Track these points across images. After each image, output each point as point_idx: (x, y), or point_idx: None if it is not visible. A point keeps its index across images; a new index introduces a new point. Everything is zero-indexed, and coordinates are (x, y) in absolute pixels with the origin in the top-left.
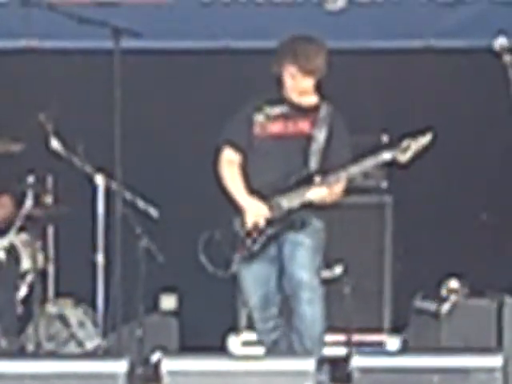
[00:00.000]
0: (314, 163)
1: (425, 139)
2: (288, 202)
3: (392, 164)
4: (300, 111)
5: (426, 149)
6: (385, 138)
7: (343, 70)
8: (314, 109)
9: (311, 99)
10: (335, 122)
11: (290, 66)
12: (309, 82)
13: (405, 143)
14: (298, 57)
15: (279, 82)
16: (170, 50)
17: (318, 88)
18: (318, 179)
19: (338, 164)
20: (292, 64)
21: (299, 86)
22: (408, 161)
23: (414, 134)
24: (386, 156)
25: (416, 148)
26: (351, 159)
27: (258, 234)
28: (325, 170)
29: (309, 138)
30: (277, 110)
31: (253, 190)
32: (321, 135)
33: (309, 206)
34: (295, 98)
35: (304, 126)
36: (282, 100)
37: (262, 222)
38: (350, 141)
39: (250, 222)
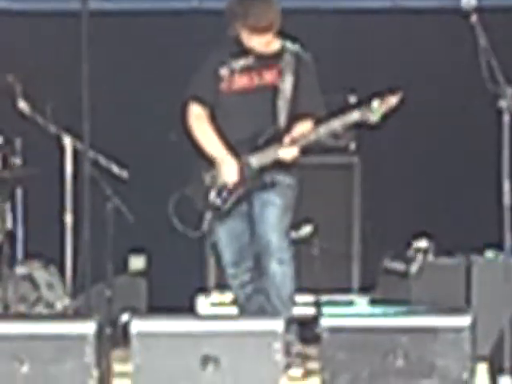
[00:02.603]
0: (282, 118)
1: (393, 99)
2: (258, 160)
3: (360, 125)
4: (265, 60)
5: (394, 109)
6: (352, 99)
7: (311, 29)
8: (278, 55)
9: (274, 46)
10: (301, 65)
11: (243, 28)
12: (267, 38)
13: (374, 103)
14: (248, 18)
15: (238, 41)
16: (139, 12)
17: (280, 32)
18: (287, 140)
19: (309, 111)
20: (244, 26)
21: (259, 43)
22: (377, 121)
23: (383, 94)
24: (355, 116)
25: (385, 108)
26: (322, 102)
27: (229, 193)
28: (293, 127)
29: (275, 90)
30: (241, 62)
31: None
32: (287, 85)
33: (278, 164)
34: (260, 47)
35: (269, 76)
36: (245, 51)
37: (234, 179)
38: (317, 81)
39: (225, 174)
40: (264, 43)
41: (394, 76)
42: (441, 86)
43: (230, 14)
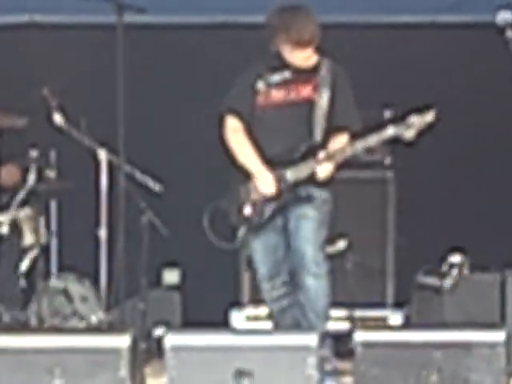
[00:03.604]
0: (318, 133)
1: (429, 116)
2: (293, 174)
3: (396, 141)
4: (302, 74)
5: (430, 126)
6: (387, 114)
7: (347, 44)
8: (315, 69)
9: (312, 60)
10: (337, 80)
11: (286, 44)
12: (308, 52)
13: (410, 120)
14: (291, 31)
15: (279, 56)
16: (173, 25)
17: (317, 48)
18: (322, 155)
19: (345, 125)
20: (286, 41)
21: (301, 57)
22: (412, 138)
23: (419, 111)
24: (391, 132)
25: (421, 125)
26: (357, 116)
27: (264, 207)
28: (329, 142)
29: (312, 104)
30: (278, 76)
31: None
32: (323, 99)
33: (314, 179)
34: (299, 62)
35: (306, 91)
36: (284, 65)
37: (270, 192)
38: (352, 95)
39: (261, 189)
40: (305, 57)
41: (429, 90)
42: (476, 101)
43: (270, 29)
